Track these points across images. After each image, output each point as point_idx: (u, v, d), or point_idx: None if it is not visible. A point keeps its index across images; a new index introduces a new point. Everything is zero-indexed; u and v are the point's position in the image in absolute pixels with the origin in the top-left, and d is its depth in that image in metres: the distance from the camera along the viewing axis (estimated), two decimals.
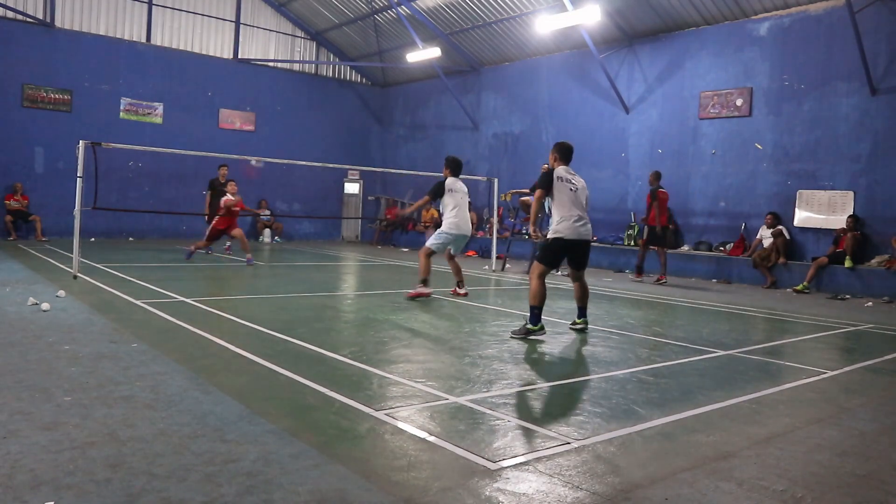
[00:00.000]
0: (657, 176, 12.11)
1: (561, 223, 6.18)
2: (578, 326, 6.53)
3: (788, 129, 12.52)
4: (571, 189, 6.24)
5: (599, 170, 15.56)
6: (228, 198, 12.28)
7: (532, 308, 6.02)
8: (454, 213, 8.66)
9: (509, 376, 4.59)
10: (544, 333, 6.07)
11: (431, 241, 8.64)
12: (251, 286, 9.56)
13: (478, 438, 3.29)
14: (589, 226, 6.36)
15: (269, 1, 20.02)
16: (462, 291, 8.82)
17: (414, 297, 8.23)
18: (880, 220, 11.33)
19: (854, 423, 3.87)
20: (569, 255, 6.35)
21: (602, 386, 4.47)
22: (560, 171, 6.35)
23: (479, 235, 17.58)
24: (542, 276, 6.12)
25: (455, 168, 8.91)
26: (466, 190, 9.11)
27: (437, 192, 8.76)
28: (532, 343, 5.81)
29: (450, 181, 8.75)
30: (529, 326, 6.01)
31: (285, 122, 20.24)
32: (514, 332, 6.10)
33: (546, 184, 6.24)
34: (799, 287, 11.18)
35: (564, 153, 6.47)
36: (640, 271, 12.37)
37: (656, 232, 11.89)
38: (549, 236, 6.33)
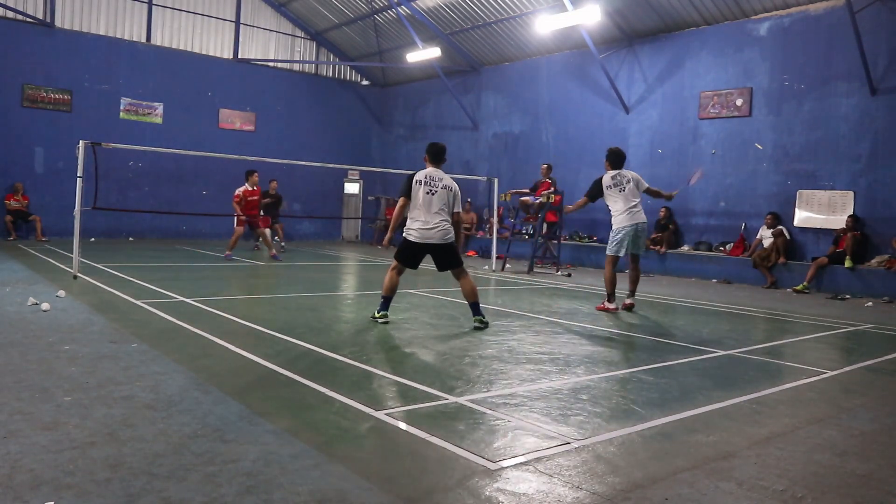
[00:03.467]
0: (552, 182, 13.98)
1: (412, 225, 6.36)
2: (475, 324, 6.40)
3: (788, 129, 12.51)
4: (427, 192, 6.31)
5: (599, 170, 15.46)
6: (247, 188, 12.85)
7: (382, 297, 6.43)
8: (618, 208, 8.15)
9: (509, 376, 4.59)
10: (386, 322, 6.39)
11: (608, 246, 8.22)
12: (251, 286, 9.56)
13: (478, 438, 3.28)
14: (440, 230, 6.29)
15: (269, 1, 20.01)
16: (611, 306, 7.95)
17: (602, 311, 7.86)
18: (880, 220, 11.33)
19: (854, 423, 3.87)
20: (420, 254, 6.45)
21: (602, 386, 4.46)
22: (420, 174, 6.43)
23: (479, 235, 17.60)
24: (393, 269, 6.47)
25: (616, 160, 8.35)
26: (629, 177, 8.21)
27: (595, 192, 8.34)
28: (532, 343, 5.81)
29: (606, 177, 8.25)
30: (375, 313, 6.46)
31: (285, 122, 20.24)
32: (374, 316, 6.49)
33: (406, 190, 6.40)
34: (799, 287, 11.19)
35: (434, 154, 6.54)
36: (555, 263, 13.78)
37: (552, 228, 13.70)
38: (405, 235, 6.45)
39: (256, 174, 13.02)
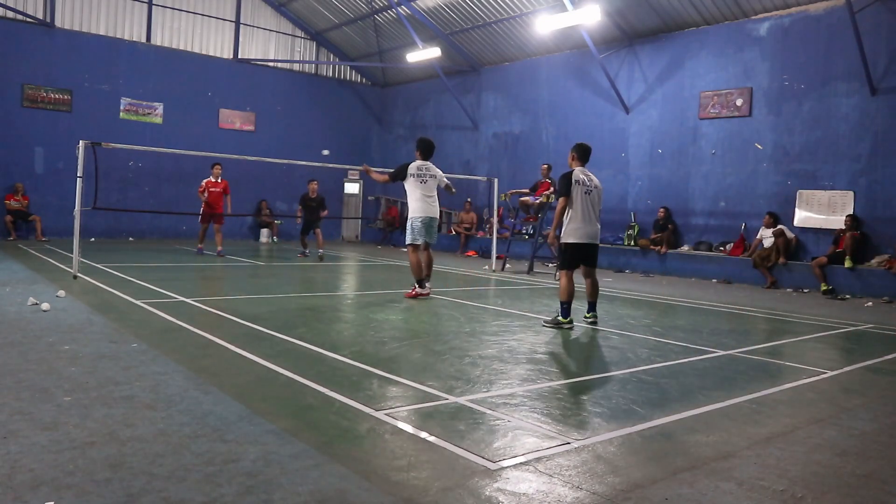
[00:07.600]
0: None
1: (570, 226, 6.59)
2: (589, 320, 6.87)
3: (788, 129, 12.51)
4: (586, 193, 6.56)
5: (599, 170, 15.49)
6: (210, 179, 13.22)
7: (562, 303, 6.57)
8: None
9: (509, 376, 4.59)
10: (572, 327, 6.56)
11: None
12: (251, 286, 9.56)
13: (478, 438, 3.28)
14: (597, 227, 6.73)
15: (269, 1, 20.01)
16: None
17: None
18: (880, 220, 11.33)
19: (854, 423, 3.87)
20: (581, 255, 6.73)
21: (602, 386, 4.47)
22: (578, 174, 6.61)
23: (479, 235, 17.60)
24: (567, 275, 6.67)
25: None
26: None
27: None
28: (532, 343, 5.82)
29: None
30: (560, 319, 6.55)
31: (285, 122, 20.24)
32: (545, 322, 6.67)
33: (566, 188, 6.53)
34: (823, 288, 10.88)
35: (583, 154, 6.74)
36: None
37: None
38: (562, 241, 6.71)
39: (219, 166, 13.36)
